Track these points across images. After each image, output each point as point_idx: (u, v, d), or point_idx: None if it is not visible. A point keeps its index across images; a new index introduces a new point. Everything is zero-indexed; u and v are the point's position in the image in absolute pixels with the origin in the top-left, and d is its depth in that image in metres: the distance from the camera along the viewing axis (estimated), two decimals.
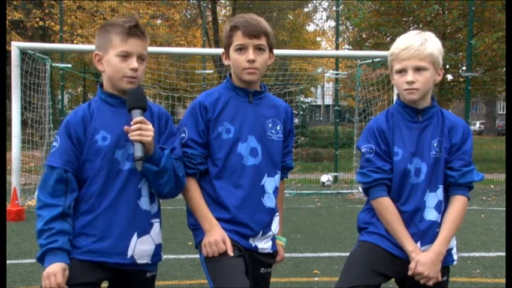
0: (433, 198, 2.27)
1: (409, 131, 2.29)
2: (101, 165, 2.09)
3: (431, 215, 2.26)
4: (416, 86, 2.23)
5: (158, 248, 2.22)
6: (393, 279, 2.35)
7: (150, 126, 2.06)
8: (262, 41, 2.24)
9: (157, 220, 2.22)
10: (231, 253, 2.14)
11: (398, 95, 2.37)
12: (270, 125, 2.32)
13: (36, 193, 2.16)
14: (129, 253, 2.12)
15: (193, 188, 2.26)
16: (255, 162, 2.26)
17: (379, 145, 2.29)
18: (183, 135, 2.26)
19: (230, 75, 2.35)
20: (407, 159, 2.26)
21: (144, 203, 2.15)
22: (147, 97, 2.22)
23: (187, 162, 2.24)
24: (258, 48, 2.23)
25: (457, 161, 2.28)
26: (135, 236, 2.13)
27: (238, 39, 2.23)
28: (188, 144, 2.25)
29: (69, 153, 2.09)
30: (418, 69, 2.22)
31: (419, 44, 2.21)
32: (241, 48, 2.23)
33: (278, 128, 2.35)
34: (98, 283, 2.09)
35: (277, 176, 2.35)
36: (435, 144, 2.28)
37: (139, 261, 2.15)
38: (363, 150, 2.32)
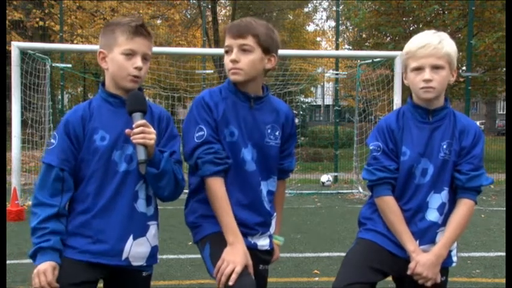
0: (436, 199, 2.27)
1: (419, 131, 2.28)
2: (97, 166, 2.09)
3: (432, 215, 2.26)
4: (433, 85, 2.21)
5: (154, 250, 2.21)
6: (390, 278, 2.35)
7: (152, 130, 2.05)
8: (248, 41, 2.17)
9: (154, 222, 2.21)
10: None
11: (410, 94, 2.35)
12: (269, 131, 2.28)
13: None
14: (124, 255, 2.11)
15: (221, 189, 2.14)
16: (251, 167, 2.24)
17: (387, 144, 2.29)
18: (201, 133, 2.16)
19: None
20: (415, 159, 2.26)
21: (140, 205, 2.14)
22: (147, 97, 2.22)
23: (215, 159, 2.13)
24: (243, 49, 2.18)
25: (466, 165, 2.27)
26: (130, 238, 2.12)
27: (226, 41, 2.22)
28: (210, 140, 2.15)
29: (67, 152, 2.08)
30: (435, 68, 2.21)
31: (437, 43, 2.20)
32: (228, 50, 2.21)
33: (277, 133, 2.31)
34: (96, 281, 2.09)
35: (271, 180, 2.33)
36: (444, 146, 2.26)
37: (134, 264, 2.14)
38: (371, 147, 2.33)
